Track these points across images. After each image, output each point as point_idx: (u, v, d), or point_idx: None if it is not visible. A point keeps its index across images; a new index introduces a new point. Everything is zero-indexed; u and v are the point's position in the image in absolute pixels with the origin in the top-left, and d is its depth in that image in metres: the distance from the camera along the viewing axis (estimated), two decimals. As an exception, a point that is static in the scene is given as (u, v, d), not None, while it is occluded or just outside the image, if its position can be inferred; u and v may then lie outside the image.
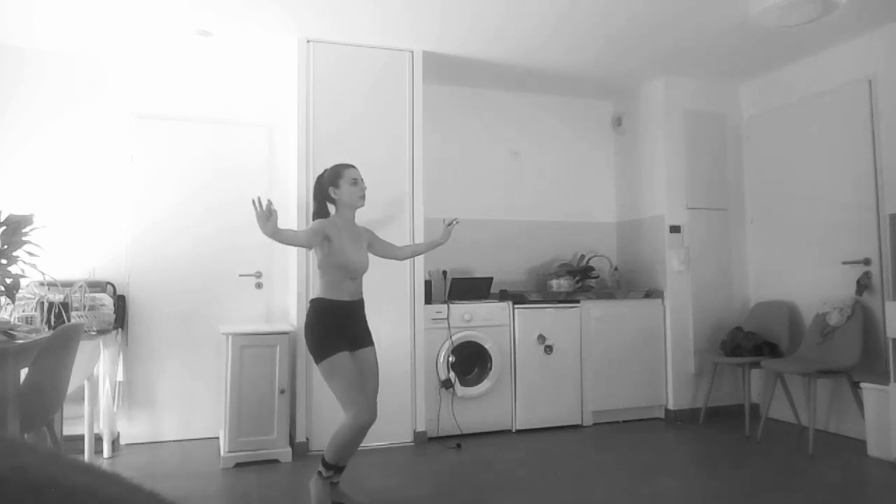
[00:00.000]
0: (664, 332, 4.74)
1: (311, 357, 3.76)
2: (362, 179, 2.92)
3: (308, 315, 2.86)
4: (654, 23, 3.89)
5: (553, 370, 4.43)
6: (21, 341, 2.50)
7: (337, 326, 2.81)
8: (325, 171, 2.98)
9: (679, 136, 4.84)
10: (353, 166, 2.93)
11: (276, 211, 2.53)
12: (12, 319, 3.16)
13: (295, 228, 3.65)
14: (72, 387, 2.99)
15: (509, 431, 4.34)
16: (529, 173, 5.21)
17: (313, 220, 2.93)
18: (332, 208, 2.95)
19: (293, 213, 4.02)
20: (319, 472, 2.82)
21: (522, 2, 3.60)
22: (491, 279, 4.53)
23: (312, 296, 2.92)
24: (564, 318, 4.49)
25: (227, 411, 3.63)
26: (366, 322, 2.99)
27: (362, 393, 2.80)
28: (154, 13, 3.65)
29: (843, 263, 4.11)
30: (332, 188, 2.89)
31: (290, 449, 3.73)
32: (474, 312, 4.29)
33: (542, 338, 4.41)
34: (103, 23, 3.78)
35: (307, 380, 3.86)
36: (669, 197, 4.79)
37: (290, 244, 2.85)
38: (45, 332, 2.83)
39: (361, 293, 2.95)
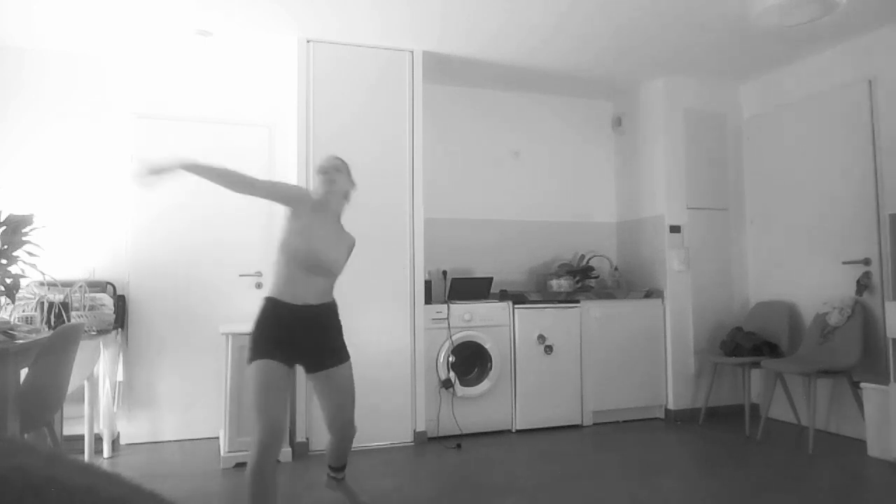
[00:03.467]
0: (664, 332, 4.74)
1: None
2: (335, 170, 2.63)
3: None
4: (654, 23, 3.89)
5: (553, 370, 4.42)
6: (21, 341, 2.50)
7: (276, 334, 2.42)
8: None
9: (679, 136, 4.84)
10: (329, 157, 2.73)
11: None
12: (12, 319, 3.16)
13: None
14: (72, 387, 2.99)
15: (509, 431, 4.34)
16: (529, 173, 5.21)
17: None
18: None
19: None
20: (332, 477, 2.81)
21: (523, 2, 3.60)
22: (491, 279, 4.53)
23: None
24: (564, 318, 4.49)
25: (227, 411, 3.64)
26: (333, 333, 2.58)
27: (273, 410, 2.34)
28: (154, 13, 3.65)
29: (843, 263, 4.11)
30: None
31: (290, 449, 3.73)
32: (474, 312, 4.29)
33: (542, 338, 4.41)
34: (103, 23, 3.78)
35: (307, 380, 3.85)
36: (669, 197, 4.79)
37: (235, 189, 2.50)
38: (45, 332, 2.83)
39: (323, 297, 2.53)
